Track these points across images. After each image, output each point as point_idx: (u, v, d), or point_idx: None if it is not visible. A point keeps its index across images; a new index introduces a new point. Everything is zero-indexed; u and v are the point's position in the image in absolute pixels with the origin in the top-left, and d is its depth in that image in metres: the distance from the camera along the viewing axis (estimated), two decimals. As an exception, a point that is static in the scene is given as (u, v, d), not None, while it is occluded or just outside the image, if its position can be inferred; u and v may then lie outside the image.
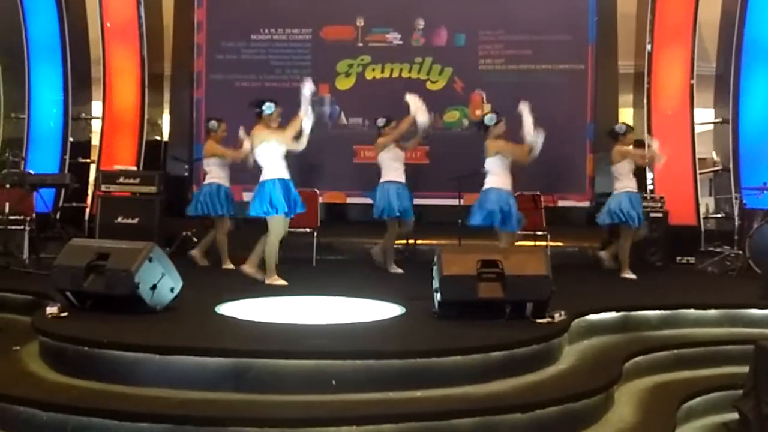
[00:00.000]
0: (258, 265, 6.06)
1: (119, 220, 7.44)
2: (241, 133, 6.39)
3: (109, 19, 9.10)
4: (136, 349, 3.72)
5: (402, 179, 6.89)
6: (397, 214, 6.78)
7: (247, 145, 6.27)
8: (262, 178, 5.96)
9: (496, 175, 6.48)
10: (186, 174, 9.11)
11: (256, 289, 5.62)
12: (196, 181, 9.23)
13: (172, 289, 4.66)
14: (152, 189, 7.64)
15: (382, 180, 6.90)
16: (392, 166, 6.88)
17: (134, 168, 8.50)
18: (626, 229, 6.90)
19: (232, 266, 6.96)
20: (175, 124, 9.42)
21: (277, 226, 5.92)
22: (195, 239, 7.71)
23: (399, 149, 6.95)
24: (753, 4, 8.67)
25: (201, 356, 3.62)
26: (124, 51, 9.13)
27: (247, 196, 7.11)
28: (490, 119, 6.70)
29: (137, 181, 7.73)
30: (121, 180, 7.76)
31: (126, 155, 8.92)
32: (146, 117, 9.07)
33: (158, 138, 9.56)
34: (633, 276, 6.80)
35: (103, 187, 7.78)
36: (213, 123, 7.27)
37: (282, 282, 5.92)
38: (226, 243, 7.15)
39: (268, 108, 6.06)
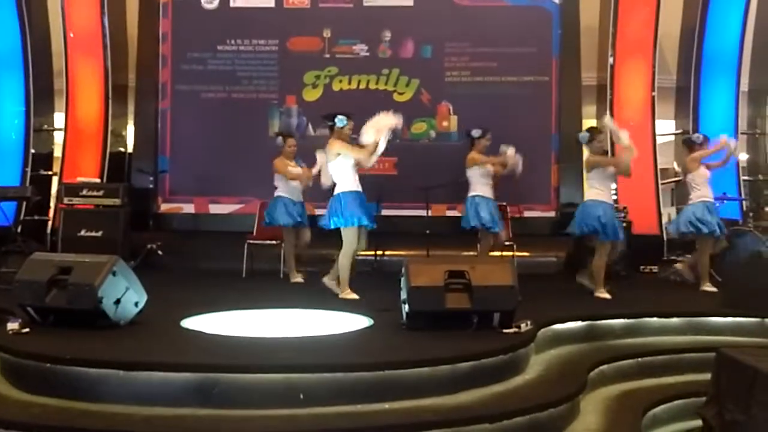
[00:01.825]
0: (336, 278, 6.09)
1: (82, 233, 7.34)
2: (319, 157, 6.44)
3: (72, 30, 8.98)
4: (99, 365, 3.65)
5: (491, 195, 6.91)
6: (489, 226, 6.80)
7: (310, 169, 6.56)
8: (336, 191, 5.96)
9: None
10: (151, 186, 9.00)
11: (222, 302, 5.57)
12: (161, 193, 9.16)
13: (136, 303, 4.60)
14: (116, 201, 7.55)
15: (472, 193, 6.90)
16: (481, 182, 6.90)
17: (98, 180, 8.39)
18: (704, 240, 6.69)
19: (300, 279, 6.95)
20: (140, 135, 9.31)
21: (352, 238, 5.90)
22: (160, 252, 7.63)
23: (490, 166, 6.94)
24: (712, 17, 8.89)
25: (166, 371, 3.57)
26: (88, 62, 9.02)
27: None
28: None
29: (101, 193, 7.64)
30: (85, 192, 7.66)
31: (89, 167, 8.78)
32: (110, 128, 8.95)
33: (122, 149, 9.44)
34: (714, 289, 6.56)
35: (66, 200, 7.66)
36: (279, 140, 7.19)
37: (354, 296, 5.87)
38: (293, 255, 7.13)
39: (341, 121, 6.06)
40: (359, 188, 5.98)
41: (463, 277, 4.61)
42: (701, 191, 6.79)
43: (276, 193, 7.11)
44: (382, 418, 3.48)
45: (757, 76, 9.39)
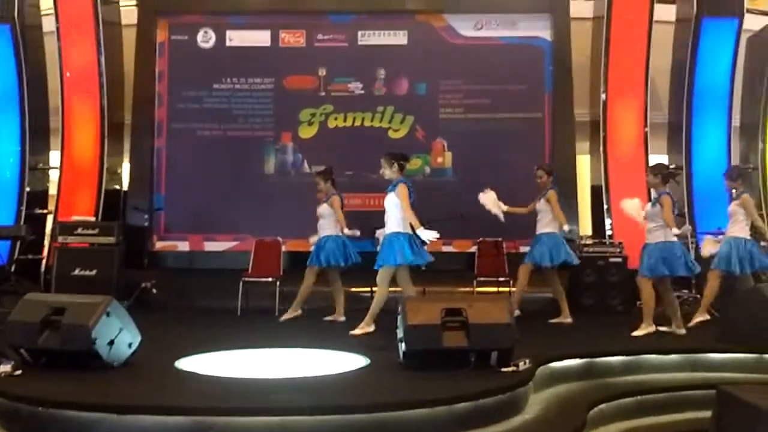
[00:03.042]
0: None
1: (77, 272, 7.30)
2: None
3: (68, 69, 9.03)
4: (92, 408, 3.60)
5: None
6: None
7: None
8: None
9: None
10: (146, 224, 8.98)
11: (217, 341, 5.51)
12: (156, 231, 9.13)
13: (130, 344, 4.56)
14: (111, 240, 7.53)
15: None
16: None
17: (92, 218, 8.36)
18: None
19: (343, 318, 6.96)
20: (135, 173, 9.31)
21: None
22: (154, 290, 7.57)
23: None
24: (702, 53, 9.00)
25: (159, 415, 3.52)
26: (84, 100, 9.05)
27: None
28: None
29: (96, 231, 7.62)
30: (79, 231, 7.64)
31: (84, 205, 8.75)
32: (105, 166, 8.94)
33: (118, 187, 9.43)
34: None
35: (60, 239, 7.64)
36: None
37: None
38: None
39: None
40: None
41: (460, 315, 4.59)
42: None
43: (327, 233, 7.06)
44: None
45: (749, 111, 9.48)
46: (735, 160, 9.31)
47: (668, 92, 9.52)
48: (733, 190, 6.96)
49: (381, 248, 6.14)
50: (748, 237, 6.67)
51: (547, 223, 7.03)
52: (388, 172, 6.23)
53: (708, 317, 6.67)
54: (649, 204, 6.49)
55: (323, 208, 7.10)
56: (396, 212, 6.08)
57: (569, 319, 6.95)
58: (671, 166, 9.34)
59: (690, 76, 9.03)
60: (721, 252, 6.69)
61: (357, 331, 6.05)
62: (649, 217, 6.34)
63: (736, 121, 9.34)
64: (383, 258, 6.06)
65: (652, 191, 6.67)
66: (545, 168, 7.25)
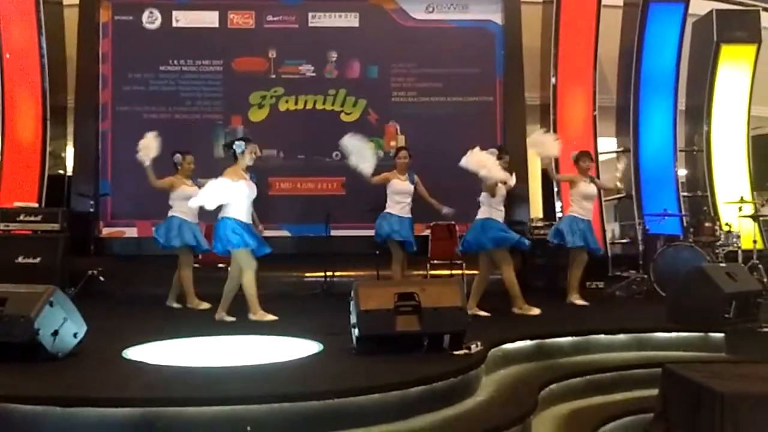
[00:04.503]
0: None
1: (20, 260, 7.07)
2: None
3: (8, 50, 8.71)
4: (35, 401, 3.48)
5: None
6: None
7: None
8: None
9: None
10: (91, 210, 8.75)
11: (166, 330, 5.41)
12: (103, 217, 8.91)
13: (75, 335, 4.42)
14: (55, 226, 7.32)
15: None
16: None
17: (36, 205, 8.11)
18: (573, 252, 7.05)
19: (206, 305, 6.72)
20: (80, 157, 9.05)
21: (248, 260, 5.93)
22: (101, 278, 7.39)
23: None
24: (649, 38, 9.17)
25: (105, 407, 3.42)
26: (24, 83, 8.76)
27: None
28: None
29: (39, 218, 7.40)
30: (22, 217, 7.42)
31: (27, 191, 8.49)
32: (48, 150, 8.67)
33: (62, 172, 9.16)
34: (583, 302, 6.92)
35: (2, 225, 7.38)
36: (177, 156, 7.03)
37: (271, 317, 5.96)
38: (191, 279, 6.90)
39: (238, 147, 6.07)
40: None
41: (413, 299, 4.59)
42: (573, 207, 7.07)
43: (170, 213, 6.90)
44: (332, 447, 3.41)
45: (694, 95, 9.69)
46: (680, 143, 9.54)
47: (616, 76, 9.67)
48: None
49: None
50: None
51: None
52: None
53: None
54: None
55: None
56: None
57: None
58: (620, 149, 9.56)
59: (637, 60, 9.20)
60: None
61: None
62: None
63: (681, 105, 9.55)
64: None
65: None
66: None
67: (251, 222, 6.04)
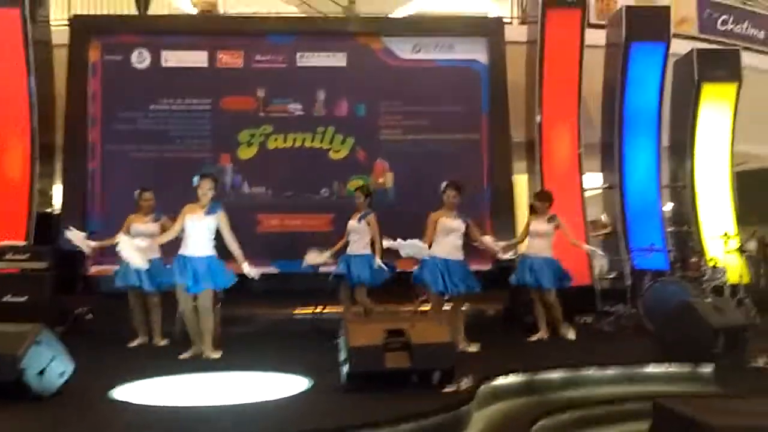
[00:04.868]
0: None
1: (7, 298, 7.01)
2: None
3: (-5, 89, 8.74)
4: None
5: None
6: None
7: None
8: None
9: None
10: (79, 248, 8.69)
11: (155, 367, 5.36)
12: (91, 256, 8.85)
13: (62, 374, 4.38)
14: (42, 265, 7.26)
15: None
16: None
17: (23, 243, 8.05)
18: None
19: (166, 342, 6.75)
20: (68, 196, 9.02)
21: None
22: (89, 316, 7.33)
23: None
24: (632, 76, 9.33)
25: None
26: (13, 121, 8.74)
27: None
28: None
29: (26, 256, 7.35)
30: (9, 256, 7.36)
31: (14, 229, 8.43)
32: (36, 189, 8.65)
33: (49, 210, 9.13)
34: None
35: (-12, 264, 7.33)
36: (135, 193, 7.08)
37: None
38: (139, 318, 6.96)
39: (194, 181, 6.24)
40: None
41: (402, 336, 4.59)
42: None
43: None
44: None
45: (677, 132, 9.85)
46: (665, 179, 9.66)
47: (600, 114, 9.82)
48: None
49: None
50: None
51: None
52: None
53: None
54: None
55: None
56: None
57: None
58: (605, 185, 9.66)
59: (620, 98, 9.34)
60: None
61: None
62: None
63: (665, 141, 9.70)
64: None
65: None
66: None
67: (208, 254, 6.14)
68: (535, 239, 7.22)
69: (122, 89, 9.22)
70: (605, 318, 7.98)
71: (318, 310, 7.96)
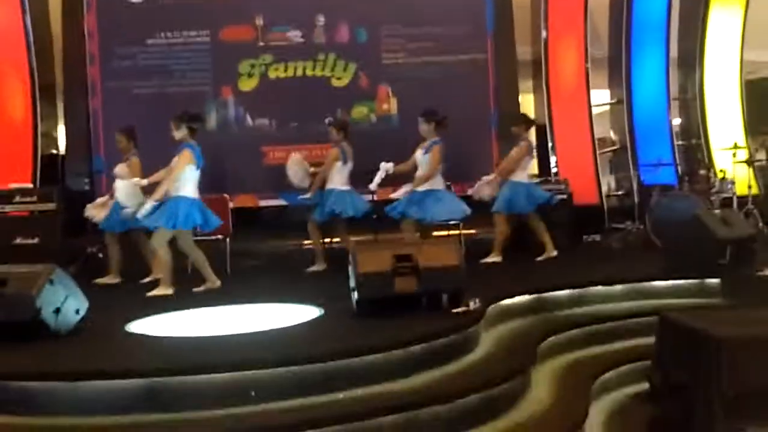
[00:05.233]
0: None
1: (18, 241, 7.09)
2: None
3: (-8, 31, 8.62)
4: (41, 377, 3.54)
5: None
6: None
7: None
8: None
9: None
10: (86, 188, 8.75)
11: (167, 302, 5.46)
12: (98, 194, 8.89)
13: (77, 311, 4.47)
14: (51, 206, 7.31)
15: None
16: None
17: (30, 185, 8.10)
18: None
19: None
20: (72, 136, 9.02)
21: None
22: (100, 255, 7.42)
23: None
24: (639, -16, 9.07)
25: (110, 379, 3.48)
26: (11, 62, 8.67)
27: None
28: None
29: (35, 198, 7.39)
30: (18, 199, 7.41)
31: (21, 172, 8.46)
32: (40, 130, 8.63)
33: (55, 151, 9.14)
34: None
35: (-3, 207, 7.39)
36: None
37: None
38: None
39: None
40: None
41: (410, 260, 4.62)
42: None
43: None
44: (335, 408, 3.47)
45: (686, 41, 9.61)
46: (674, 92, 9.49)
47: (607, 27, 9.59)
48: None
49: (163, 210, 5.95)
50: (526, 180, 7.17)
51: None
52: (177, 134, 6.07)
53: (500, 258, 7.01)
54: (421, 151, 6.72)
55: None
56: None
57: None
58: (613, 101, 9.52)
59: (628, 8, 9.10)
60: (503, 195, 7.06)
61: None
62: (420, 165, 6.67)
63: (674, 52, 9.48)
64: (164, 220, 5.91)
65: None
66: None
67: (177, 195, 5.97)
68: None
69: (119, 25, 9.08)
70: (613, 235, 7.99)
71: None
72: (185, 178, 5.97)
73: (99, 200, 6.86)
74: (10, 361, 3.78)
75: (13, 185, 7.84)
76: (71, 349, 4.10)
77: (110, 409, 3.42)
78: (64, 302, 4.35)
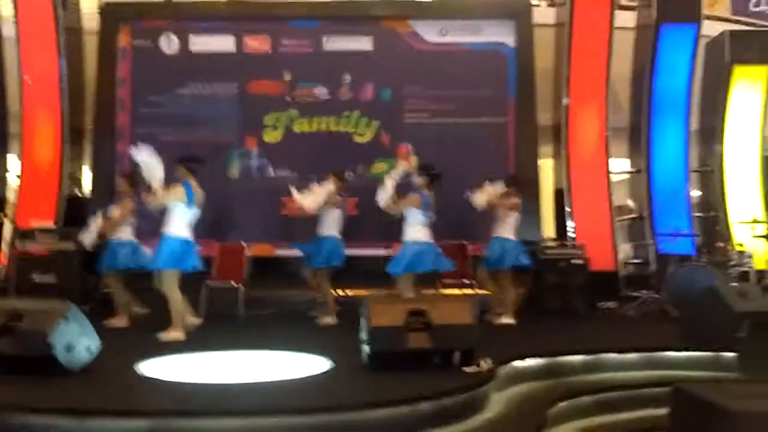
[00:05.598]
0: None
1: (36, 279, 7.17)
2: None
3: (28, 73, 8.91)
4: (50, 412, 3.55)
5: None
6: None
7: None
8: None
9: None
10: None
11: (179, 345, 5.47)
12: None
13: (89, 349, 4.49)
14: (70, 246, 7.41)
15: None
16: None
17: (52, 225, 8.23)
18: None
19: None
20: (98, 178, 9.18)
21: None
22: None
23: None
24: (662, 58, 9.19)
25: (119, 417, 3.48)
26: (44, 106, 8.93)
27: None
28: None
29: (56, 238, 7.49)
30: (38, 237, 7.52)
31: (44, 211, 8.62)
32: (66, 172, 8.82)
33: (79, 193, 9.30)
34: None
35: (19, 245, 7.50)
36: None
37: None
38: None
39: None
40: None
41: (424, 316, 4.62)
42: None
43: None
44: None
45: (707, 116, 9.70)
46: (693, 164, 9.52)
47: (629, 97, 9.70)
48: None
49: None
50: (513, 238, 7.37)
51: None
52: (176, 174, 6.33)
53: (513, 321, 7.06)
54: None
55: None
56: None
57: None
58: (633, 170, 9.56)
59: (650, 80, 9.22)
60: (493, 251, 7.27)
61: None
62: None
63: (694, 125, 9.55)
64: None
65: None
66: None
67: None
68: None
69: (151, 74, 9.33)
70: (629, 303, 7.93)
71: (341, 293, 8.02)
72: (176, 216, 6.10)
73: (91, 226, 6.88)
74: (19, 394, 3.80)
75: (35, 224, 7.97)
76: (81, 387, 4.11)
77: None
78: (77, 340, 4.38)
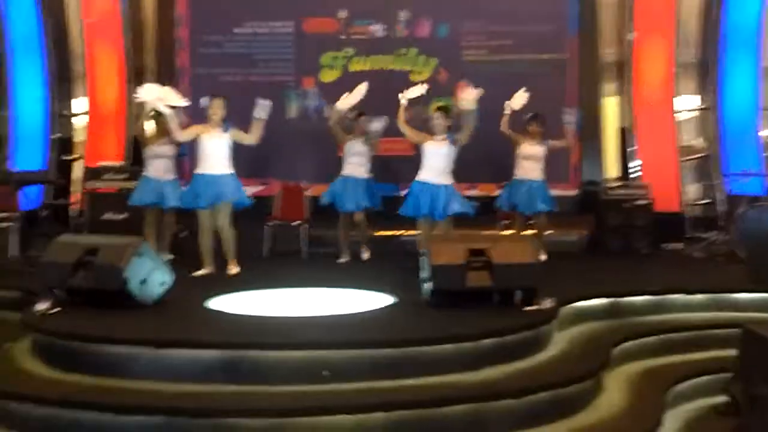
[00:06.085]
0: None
1: (107, 216, 7.39)
2: None
3: (89, 14, 9.02)
4: (127, 342, 3.72)
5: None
6: None
7: None
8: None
9: None
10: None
11: (245, 282, 5.61)
12: (182, 177, 9.18)
13: (162, 283, 4.65)
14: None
15: None
16: None
17: (120, 163, 8.43)
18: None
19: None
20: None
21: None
22: (186, 233, 7.65)
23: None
24: (732, -9, 8.75)
25: (193, 348, 3.62)
26: (106, 46, 9.05)
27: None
28: None
29: (124, 176, 7.68)
30: (107, 176, 7.72)
31: (112, 151, 8.83)
32: (132, 111, 8.98)
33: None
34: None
35: (89, 184, 7.72)
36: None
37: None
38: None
39: (204, 102, 6.50)
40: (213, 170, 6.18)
41: (484, 256, 4.62)
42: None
43: None
44: (405, 394, 3.52)
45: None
46: (764, 101, 9.12)
47: (697, 30, 9.28)
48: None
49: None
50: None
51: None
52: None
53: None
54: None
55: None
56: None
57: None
58: (703, 107, 9.21)
59: (719, 13, 8.79)
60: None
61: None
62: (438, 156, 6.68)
63: (766, 61, 9.10)
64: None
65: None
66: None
67: (227, 172, 6.25)
68: (524, 161, 7.20)
69: (207, 13, 9.34)
70: (696, 244, 7.75)
71: (401, 232, 8.06)
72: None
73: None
74: (96, 326, 3.97)
75: (103, 163, 8.18)
76: (155, 319, 4.28)
77: (190, 376, 3.56)
78: (150, 274, 4.53)
